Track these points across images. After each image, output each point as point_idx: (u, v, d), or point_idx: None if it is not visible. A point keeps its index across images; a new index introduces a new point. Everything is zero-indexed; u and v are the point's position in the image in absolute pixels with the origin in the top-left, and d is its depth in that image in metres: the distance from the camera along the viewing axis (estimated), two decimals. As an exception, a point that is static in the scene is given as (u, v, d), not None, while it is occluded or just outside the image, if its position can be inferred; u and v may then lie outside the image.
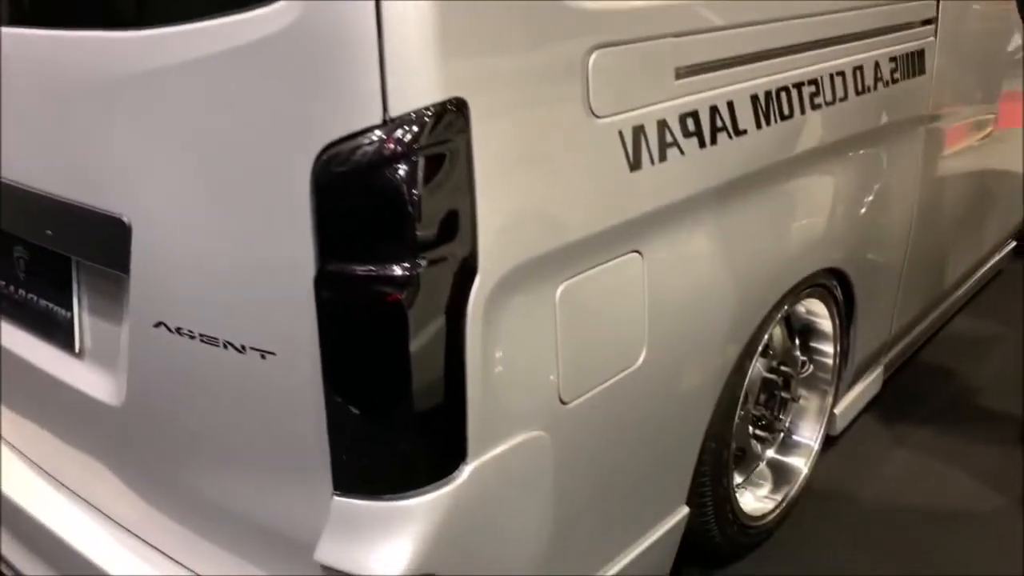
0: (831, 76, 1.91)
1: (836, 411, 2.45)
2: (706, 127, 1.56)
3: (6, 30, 1.50)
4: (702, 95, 1.54)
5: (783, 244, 1.92)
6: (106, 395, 1.56)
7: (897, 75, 2.19)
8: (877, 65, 2.09)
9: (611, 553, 1.68)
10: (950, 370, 3.12)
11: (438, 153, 1.12)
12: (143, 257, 1.37)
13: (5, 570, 1.56)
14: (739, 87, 1.63)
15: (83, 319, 1.62)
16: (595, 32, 1.31)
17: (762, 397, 2.15)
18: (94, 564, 1.64)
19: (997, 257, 3.73)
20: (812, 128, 1.89)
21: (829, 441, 2.54)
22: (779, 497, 2.23)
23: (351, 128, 1.10)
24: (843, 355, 2.29)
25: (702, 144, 1.56)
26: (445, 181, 1.14)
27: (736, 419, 1.94)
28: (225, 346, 1.31)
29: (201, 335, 1.33)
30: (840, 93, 1.95)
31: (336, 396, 1.23)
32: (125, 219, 1.37)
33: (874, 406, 2.74)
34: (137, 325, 1.43)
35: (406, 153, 1.10)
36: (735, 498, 2.00)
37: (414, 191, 1.11)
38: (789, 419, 2.28)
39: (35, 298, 1.70)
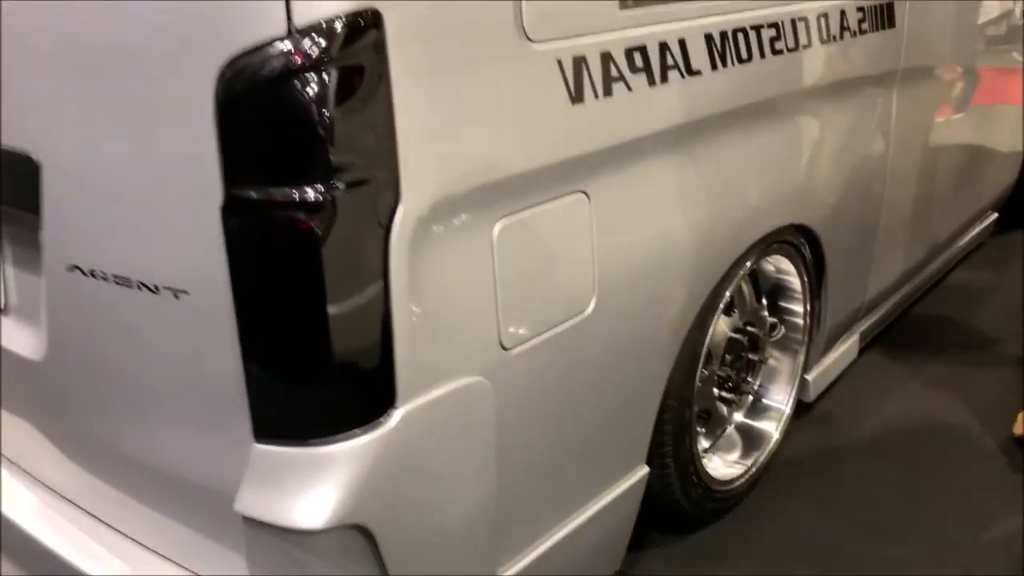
0: (793, 21, 1.84)
1: (809, 377, 2.38)
2: (655, 64, 1.49)
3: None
4: (651, 28, 1.47)
5: (743, 197, 1.85)
6: (29, 350, 1.49)
7: (865, 26, 2.13)
8: (843, 14, 2.03)
9: (565, 511, 1.61)
10: (925, 335, 3.07)
11: (350, 66, 1.05)
12: (53, 196, 1.30)
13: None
14: (691, 24, 1.56)
15: (6, 273, 1.54)
16: (529, -50, 1.24)
17: (728, 358, 2.08)
18: (29, 535, 1.57)
19: (978, 229, 3.67)
20: (772, 74, 1.82)
21: (803, 408, 2.49)
22: (749, 462, 2.16)
23: (253, 40, 1.03)
24: (814, 316, 2.22)
25: (651, 82, 1.49)
26: (359, 98, 1.06)
27: (698, 378, 1.87)
28: (139, 287, 1.24)
29: (115, 276, 1.26)
30: (803, 40, 1.89)
31: (250, 336, 1.16)
32: (34, 157, 1.30)
33: (848, 373, 2.69)
34: (52, 271, 1.36)
35: (314, 66, 1.03)
36: (699, 460, 1.94)
37: (324, 108, 1.04)
38: (758, 382, 2.21)
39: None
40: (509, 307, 1.34)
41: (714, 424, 2.12)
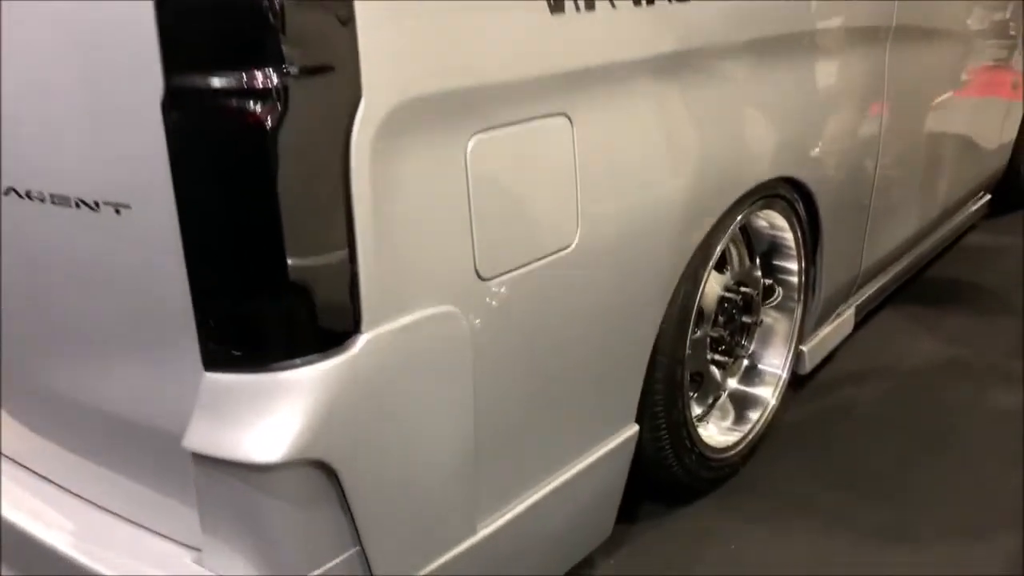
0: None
1: (805, 348, 2.28)
2: (641, -18, 1.40)
3: None
4: (635, -57, 1.38)
5: (733, 142, 1.75)
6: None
7: (858, -24, 2.05)
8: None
9: (550, 465, 1.50)
10: (923, 306, 2.99)
11: (301, -65, 0.94)
12: (-16, 112, 1.18)
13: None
14: (680, -56, 1.47)
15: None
16: None
17: (721, 319, 1.98)
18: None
19: (971, 209, 3.60)
20: (765, 14, 1.74)
21: (800, 380, 2.39)
22: (745, 430, 2.06)
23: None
24: (809, 276, 2.12)
25: (637, 1, 1.40)
26: (311, -28, 0.96)
27: (690, 336, 1.77)
28: (77, 205, 1.13)
29: (52, 196, 1.15)
30: (796, -19, 1.80)
31: (196, 249, 1.05)
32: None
33: (845, 346, 2.60)
34: (-14, 197, 1.24)
35: (261, -68, 0.92)
36: (692, 424, 1.83)
37: (272, -21, 0.93)
38: (753, 346, 2.11)
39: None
40: (485, 232, 1.23)
41: (708, 389, 2.02)
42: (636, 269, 1.56)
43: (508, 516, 1.41)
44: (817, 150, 2.04)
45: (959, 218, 3.45)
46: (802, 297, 2.09)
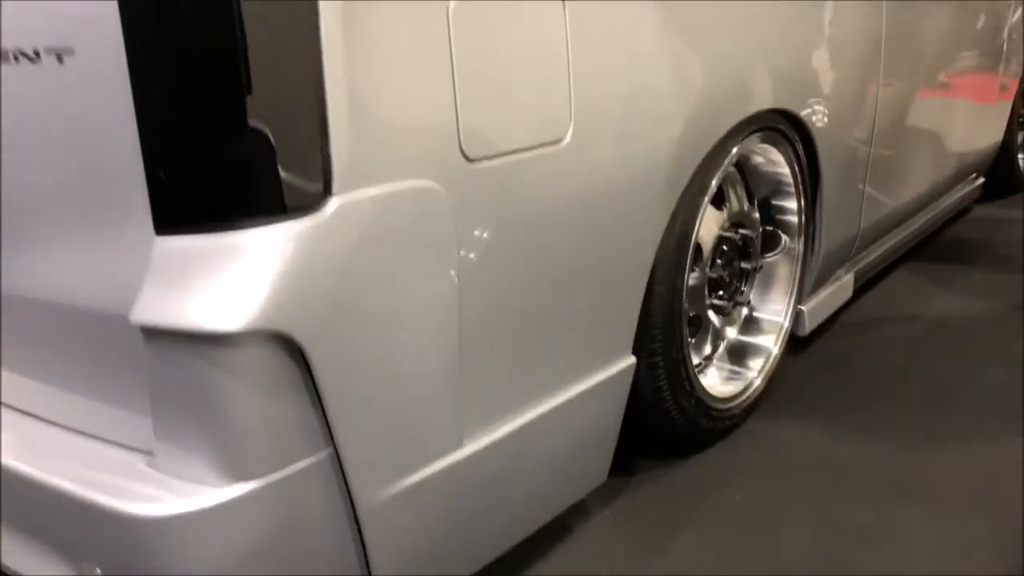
0: None
1: (804, 308, 2.18)
2: None
3: None
4: None
5: (732, 66, 1.67)
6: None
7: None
8: None
9: (543, 385, 1.38)
10: (930, 274, 2.91)
11: None
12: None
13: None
14: None
15: None
16: None
17: (719, 262, 1.87)
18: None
19: (964, 191, 3.53)
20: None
21: (802, 342, 2.29)
22: (747, 379, 1.95)
23: None
24: (808, 216, 2.01)
25: None
26: None
27: (688, 270, 1.66)
28: (16, 58, 1.01)
29: (-12, 52, 1.04)
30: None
31: (147, 93, 0.94)
32: None
33: (846, 311, 2.51)
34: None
35: None
36: (690, 364, 1.72)
37: None
38: (752, 293, 2.01)
39: None
40: (471, 107, 1.13)
41: (708, 335, 1.91)
42: (632, 181, 1.46)
43: (497, 434, 1.29)
44: (815, 87, 1.96)
45: (953, 197, 3.38)
46: (802, 238, 1.99)
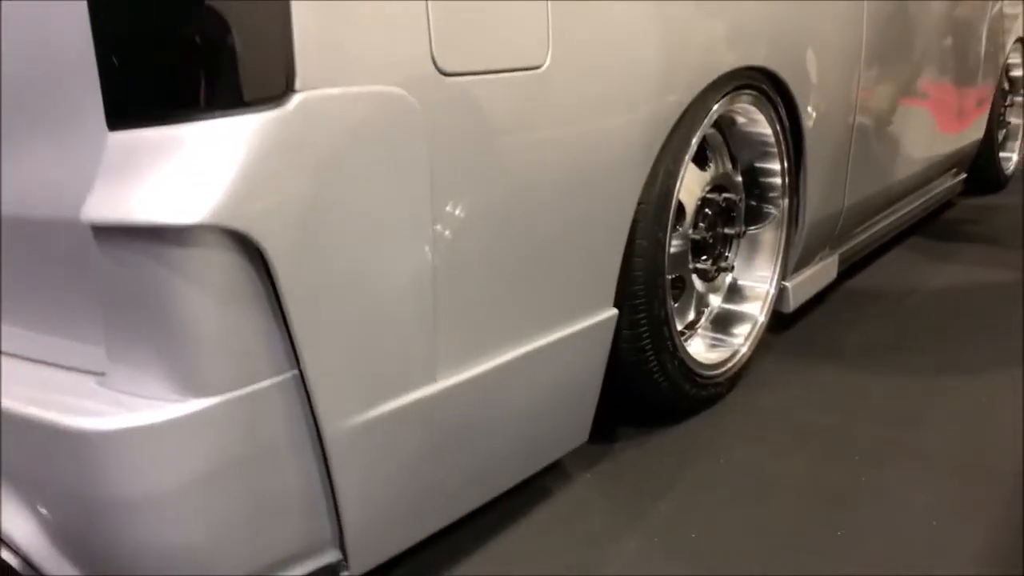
0: None
1: (789, 284, 2.13)
2: None
3: None
4: None
5: (712, 20, 1.63)
6: None
7: None
8: None
9: (521, 325, 1.33)
10: (922, 254, 2.89)
11: None
12: None
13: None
14: None
15: None
16: None
17: (702, 224, 1.83)
18: None
19: (947, 184, 3.52)
20: None
21: (787, 320, 2.25)
22: (733, 347, 1.91)
23: None
24: (792, 179, 1.97)
25: None
26: None
27: (671, 223, 1.62)
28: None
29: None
30: None
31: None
32: None
33: (832, 293, 2.48)
34: None
35: None
36: (673, 323, 1.66)
37: None
38: (736, 259, 1.96)
39: None
40: (444, 17, 1.09)
41: (692, 300, 1.86)
42: (612, 122, 1.42)
43: (473, 372, 1.23)
44: (797, 49, 1.93)
45: (935, 190, 3.37)
46: (786, 200, 1.95)
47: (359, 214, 1.02)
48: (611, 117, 1.41)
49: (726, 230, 1.92)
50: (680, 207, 1.74)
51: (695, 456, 1.67)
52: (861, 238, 2.69)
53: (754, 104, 1.82)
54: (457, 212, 1.16)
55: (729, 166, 1.91)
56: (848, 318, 2.41)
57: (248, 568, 1.04)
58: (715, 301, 1.96)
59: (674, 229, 1.68)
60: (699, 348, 1.86)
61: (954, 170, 3.59)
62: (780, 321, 2.23)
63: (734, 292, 1.98)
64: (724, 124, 1.87)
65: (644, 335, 1.61)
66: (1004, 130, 4.02)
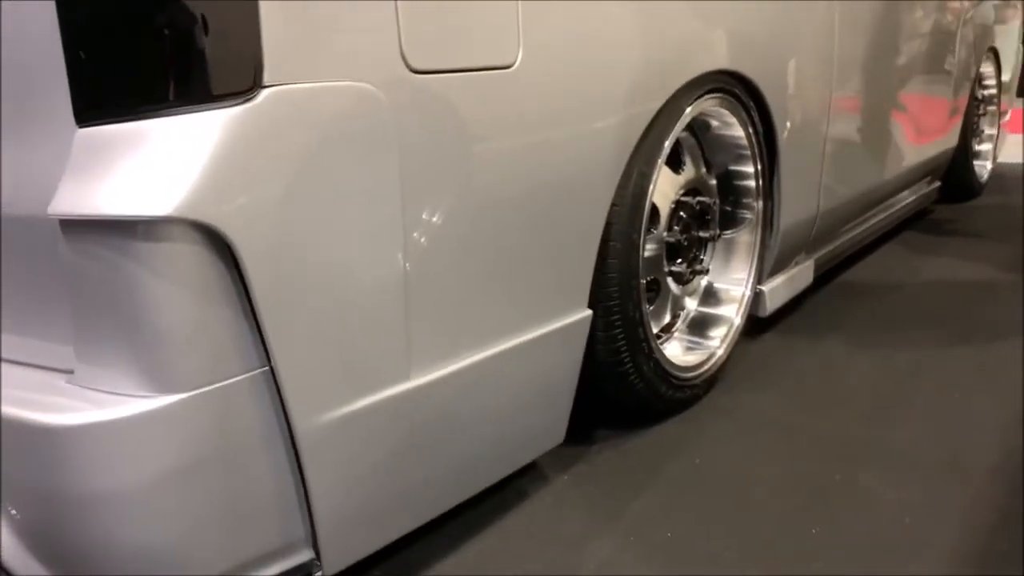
0: None
1: (765, 288, 2.15)
2: None
3: None
4: None
5: (683, 23, 1.65)
6: None
7: None
8: None
9: (495, 325, 1.33)
10: (903, 255, 2.91)
11: None
12: None
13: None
14: None
15: None
16: None
17: (676, 227, 1.84)
18: None
19: (921, 192, 3.56)
20: None
21: (763, 324, 2.27)
22: (709, 349, 1.91)
23: None
24: (767, 181, 1.99)
25: None
26: None
27: (645, 225, 1.62)
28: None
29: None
30: None
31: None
32: None
33: (808, 298, 2.49)
34: None
35: None
36: (648, 324, 1.67)
37: None
38: (711, 263, 1.97)
39: None
40: (413, 14, 1.09)
41: (667, 303, 1.87)
42: (583, 124, 1.42)
43: (447, 369, 1.23)
44: (769, 54, 1.95)
45: (910, 198, 3.40)
46: (761, 201, 1.96)
47: (329, 209, 1.02)
48: (583, 117, 1.42)
49: (701, 233, 1.93)
50: (654, 210, 1.75)
51: (671, 457, 1.67)
52: (837, 243, 2.71)
53: (727, 108, 1.84)
54: (428, 208, 1.16)
55: (703, 170, 1.92)
56: (825, 318, 2.42)
57: (219, 568, 1.03)
58: (691, 304, 1.97)
59: (648, 232, 1.69)
60: (676, 351, 1.87)
61: (928, 178, 3.63)
62: (757, 322, 2.24)
63: (710, 295, 1.99)
64: (698, 128, 1.89)
65: (619, 336, 1.61)
66: (978, 138, 4.06)
